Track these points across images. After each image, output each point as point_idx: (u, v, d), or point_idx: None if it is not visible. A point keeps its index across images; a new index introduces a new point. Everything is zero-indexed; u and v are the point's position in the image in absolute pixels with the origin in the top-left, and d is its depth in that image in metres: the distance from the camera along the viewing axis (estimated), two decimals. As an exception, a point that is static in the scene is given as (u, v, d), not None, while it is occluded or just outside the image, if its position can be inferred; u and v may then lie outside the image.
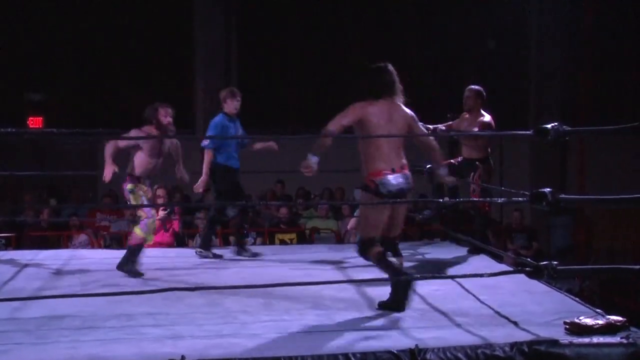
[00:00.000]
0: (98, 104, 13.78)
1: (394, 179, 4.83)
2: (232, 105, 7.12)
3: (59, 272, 6.48)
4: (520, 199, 5.08)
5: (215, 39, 13.96)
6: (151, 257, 7.29)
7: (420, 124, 5.16)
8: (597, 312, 4.55)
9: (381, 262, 4.95)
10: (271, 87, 14.08)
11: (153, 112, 6.34)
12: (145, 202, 6.24)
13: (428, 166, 7.12)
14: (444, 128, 7.21)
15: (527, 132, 4.71)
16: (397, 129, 4.90)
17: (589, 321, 4.21)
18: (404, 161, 4.95)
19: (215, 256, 7.14)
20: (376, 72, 5.00)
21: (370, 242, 4.94)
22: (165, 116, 6.31)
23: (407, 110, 5.00)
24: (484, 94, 7.08)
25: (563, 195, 4.28)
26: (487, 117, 7.00)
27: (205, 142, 7.16)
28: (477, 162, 7.02)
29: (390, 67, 5.02)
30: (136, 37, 14.11)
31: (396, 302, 4.82)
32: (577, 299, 5.24)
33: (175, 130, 6.35)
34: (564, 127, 4.38)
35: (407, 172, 4.94)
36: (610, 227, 11.49)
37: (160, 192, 8.06)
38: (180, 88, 13.77)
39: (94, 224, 9.76)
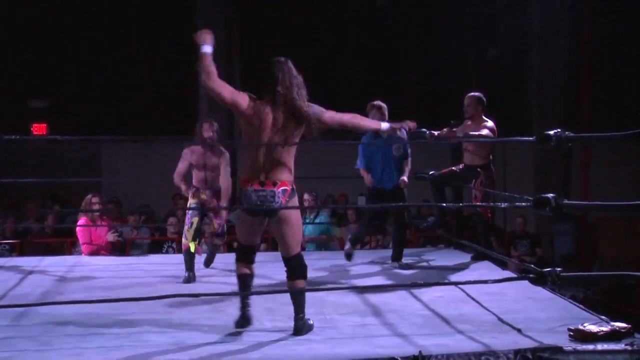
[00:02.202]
0: (102, 111, 13.82)
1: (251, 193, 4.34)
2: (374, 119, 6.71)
3: (63, 279, 6.50)
4: (523, 204, 5.07)
5: (218, 43, 13.97)
6: (155, 264, 7.31)
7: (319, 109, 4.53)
8: (601, 319, 4.55)
9: (239, 281, 4.64)
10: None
11: (198, 127, 6.68)
12: (190, 211, 6.59)
13: (431, 172, 7.14)
14: (449, 134, 7.20)
15: (530, 138, 4.71)
16: (282, 136, 4.36)
17: (593, 328, 4.20)
18: (283, 176, 4.37)
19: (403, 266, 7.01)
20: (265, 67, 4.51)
21: (243, 250, 4.65)
22: (207, 130, 6.55)
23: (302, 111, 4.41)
24: (484, 100, 7.09)
25: (566, 201, 4.28)
26: (489, 123, 7.01)
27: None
28: (478, 169, 7.03)
29: (282, 63, 4.53)
30: (139, 44, 14.15)
31: (240, 318, 4.60)
32: (581, 305, 5.23)
33: (214, 143, 6.55)
34: (567, 133, 4.38)
35: (276, 189, 4.34)
36: (614, 234, 11.45)
37: (94, 199, 8.10)
38: (182, 93, 13.80)
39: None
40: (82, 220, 8.15)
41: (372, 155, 7.04)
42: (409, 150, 7.08)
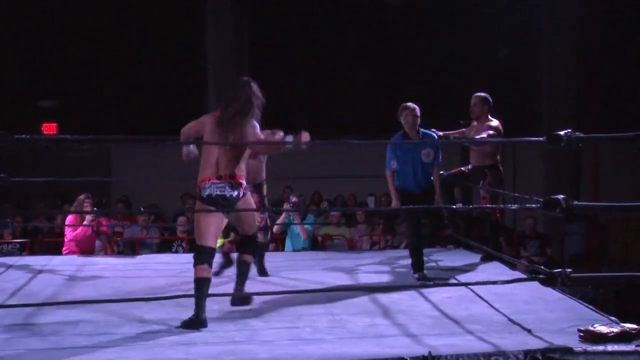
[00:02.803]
0: (112, 110, 13.86)
1: (214, 185, 4.93)
2: (405, 121, 6.46)
3: (72, 278, 6.52)
4: (533, 205, 5.06)
5: (227, 46, 14.00)
6: (164, 263, 7.32)
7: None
8: (611, 320, 4.53)
9: (196, 285, 4.88)
10: (282, 93, 14.12)
11: None
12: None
13: (440, 172, 7.13)
14: (457, 135, 7.20)
15: (540, 139, 4.70)
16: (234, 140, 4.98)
17: (603, 329, 4.18)
18: (238, 171, 4.97)
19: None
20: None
21: (201, 251, 4.93)
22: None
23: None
24: (490, 99, 7.07)
25: (576, 202, 4.27)
26: (494, 123, 7.00)
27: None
28: (486, 170, 7.02)
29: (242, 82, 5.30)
30: (149, 44, 14.18)
31: (196, 321, 4.68)
32: (591, 306, 5.21)
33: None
34: (577, 133, 4.37)
35: (237, 181, 4.95)
36: (624, 235, 11.42)
37: (87, 201, 8.10)
38: (192, 94, 13.82)
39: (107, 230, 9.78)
40: (70, 219, 8.21)
41: (402, 157, 6.52)
42: (440, 157, 6.60)
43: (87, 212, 8.12)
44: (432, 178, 6.56)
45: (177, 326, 4.66)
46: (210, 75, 14.11)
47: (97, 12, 13.99)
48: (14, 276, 6.52)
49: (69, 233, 8.09)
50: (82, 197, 8.15)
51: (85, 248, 8.14)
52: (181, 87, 14.02)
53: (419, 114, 6.47)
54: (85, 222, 8.10)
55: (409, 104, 6.55)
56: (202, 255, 4.90)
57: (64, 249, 8.23)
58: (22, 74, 13.86)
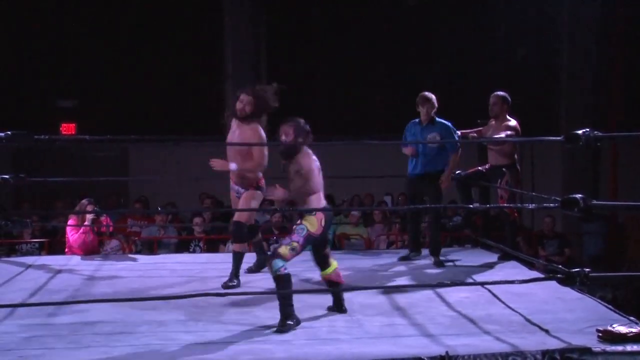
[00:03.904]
0: (130, 110, 13.92)
1: None
2: (421, 112, 6.96)
3: (91, 278, 6.54)
4: (551, 204, 5.04)
5: (245, 47, 14.03)
6: (181, 263, 7.34)
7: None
8: (630, 320, 4.49)
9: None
10: (299, 94, 14.14)
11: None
12: None
13: (457, 172, 7.12)
14: (475, 135, 7.19)
15: (558, 138, 4.67)
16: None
17: (622, 329, 4.15)
18: None
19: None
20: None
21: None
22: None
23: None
24: (509, 99, 7.06)
25: (595, 202, 4.24)
26: (512, 122, 6.97)
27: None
28: (504, 169, 7.00)
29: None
30: (168, 45, 14.24)
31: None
32: (610, 306, 5.17)
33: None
34: (595, 133, 4.34)
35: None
36: (644, 234, 11.34)
37: (89, 207, 8.07)
38: (211, 95, 13.86)
39: (125, 230, 9.84)
40: (71, 221, 8.19)
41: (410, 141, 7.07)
42: (455, 144, 6.94)
43: (105, 212, 8.08)
44: (441, 164, 6.93)
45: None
46: (228, 76, 14.15)
47: (117, 13, 14.06)
48: (33, 275, 6.56)
49: (71, 236, 8.01)
50: (84, 201, 8.13)
51: (88, 252, 8.05)
52: (199, 88, 14.07)
53: (434, 103, 6.90)
54: (85, 225, 7.97)
55: (425, 93, 6.96)
56: None
57: (66, 251, 8.11)
58: (41, 74, 13.96)
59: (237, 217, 6.13)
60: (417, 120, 7.00)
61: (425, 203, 7.07)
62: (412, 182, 7.07)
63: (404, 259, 7.13)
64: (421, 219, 7.45)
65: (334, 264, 5.16)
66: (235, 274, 6.02)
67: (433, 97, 6.93)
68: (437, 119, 6.93)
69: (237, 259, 6.08)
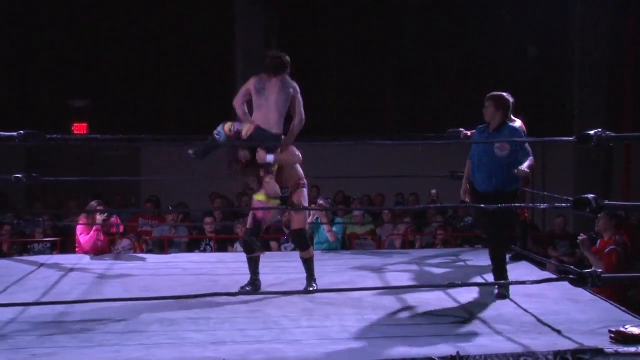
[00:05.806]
0: (142, 110, 13.96)
1: None
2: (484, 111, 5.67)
3: (102, 276, 6.57)
4: (563, 204, 5.01)
5: (256, 46, 14.03)
6: (192, 262, 7.36)
7: None
8: (643, 321, 4.48)
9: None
10: (310, 94, 14.13)
11: None
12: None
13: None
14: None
15: (570, 138, 4.65)
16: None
17: (634, 330, 4.13)
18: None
19: None
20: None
21: None
22: None
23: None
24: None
25: (607, 202, 4.22)
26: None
27: None
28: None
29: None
30: (179, 44, 14.28)
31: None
32: (622, 307, 5.15)
33: None
34: (608, 133, 4.32)
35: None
36: (656, 235, 11.24)
37: (99, 207, 8.06)
38: (221, 94, 13.87)
39: (137, 229, 9.86)
40: (81, 221, 8.20)
41: (476, 148, 5.71)
42: (522, 155, 5.51)
43: (113, 210, 8.08)
44: (514, 178, 5.49)
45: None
46: (238, 76, 14.14)
47: (128, 13, 14.10)
48: (45, 274, 6.59)
49: (81, 238, 8.01)
50: (93, 203, 8.15)
51: (98, 253, 8.05)
52: (210, 87, 14.08)
53: (500, 103, 5.56)
54: (95, 227, 7.96)
55: (494, 93, 5.68)
56: None
57: (77, 250, 8.12)
58: (53, 74, 14.02)
59: (296, 224, 5.75)
60: (486, 124, 5.68)
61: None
62: (477, 197, 5.69)
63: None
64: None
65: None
66: (310, 276, 5.81)
67: (501, 96, 5.64)
68: (508, 122, 5.68)
69: (310, 263, 5.84)
